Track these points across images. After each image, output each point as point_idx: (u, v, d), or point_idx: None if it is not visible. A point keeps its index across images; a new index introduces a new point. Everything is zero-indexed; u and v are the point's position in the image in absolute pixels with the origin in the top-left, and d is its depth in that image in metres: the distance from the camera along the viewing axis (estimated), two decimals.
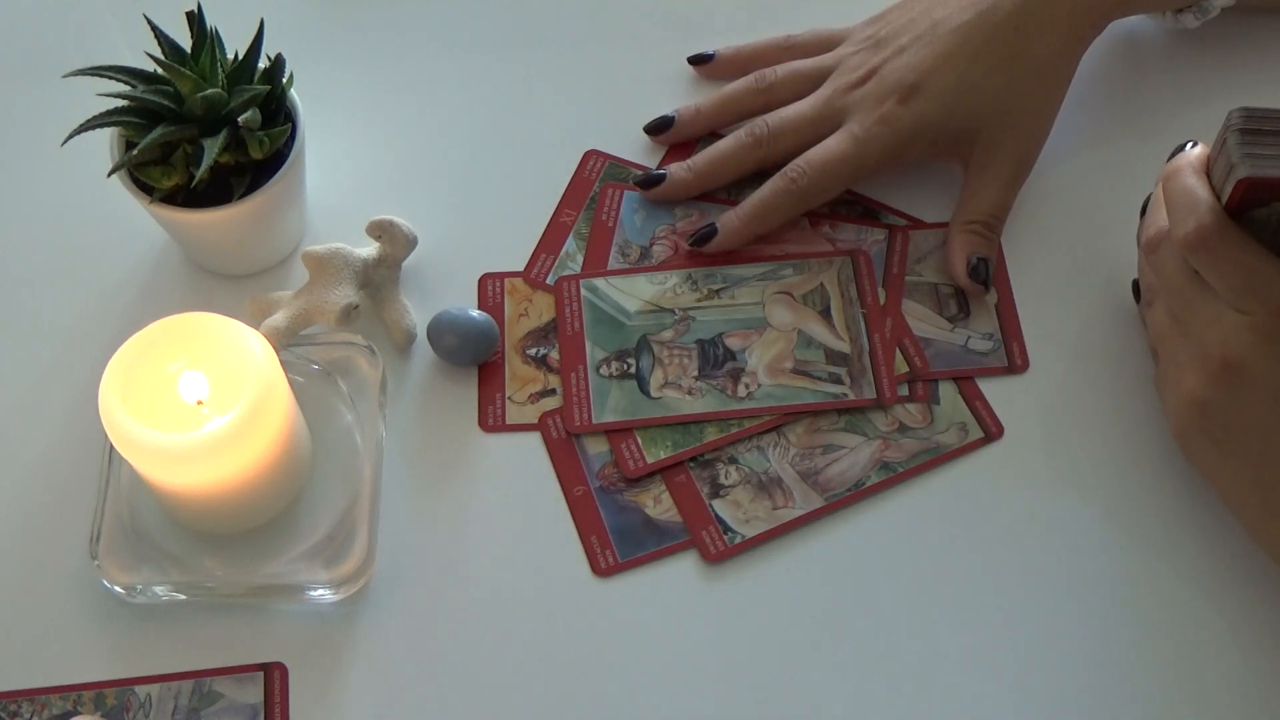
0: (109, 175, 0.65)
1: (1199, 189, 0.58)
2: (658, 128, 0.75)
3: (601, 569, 0.65)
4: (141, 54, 0.64)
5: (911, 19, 0.72)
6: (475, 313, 0.69)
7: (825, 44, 0.76)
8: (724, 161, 0.72)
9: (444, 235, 0.73)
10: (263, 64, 0.66)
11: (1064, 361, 0.70)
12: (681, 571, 0.65)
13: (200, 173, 0.63)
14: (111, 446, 0.63)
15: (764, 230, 0.71)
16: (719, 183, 0.73)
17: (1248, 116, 0.56)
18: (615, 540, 0.65)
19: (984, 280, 0.70)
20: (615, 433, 0.68)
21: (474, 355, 0.69)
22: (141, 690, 0.62)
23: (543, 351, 0.70)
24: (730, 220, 0.71)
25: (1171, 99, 0.77)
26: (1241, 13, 0.75)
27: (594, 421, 0.68)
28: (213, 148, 0.63)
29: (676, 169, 0.73)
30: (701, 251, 0.71)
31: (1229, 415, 0.60)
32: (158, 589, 0.63)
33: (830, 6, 0.78)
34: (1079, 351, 0.70)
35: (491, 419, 0.68)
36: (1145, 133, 0.76)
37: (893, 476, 0.67)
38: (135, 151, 0.64)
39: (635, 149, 0.76)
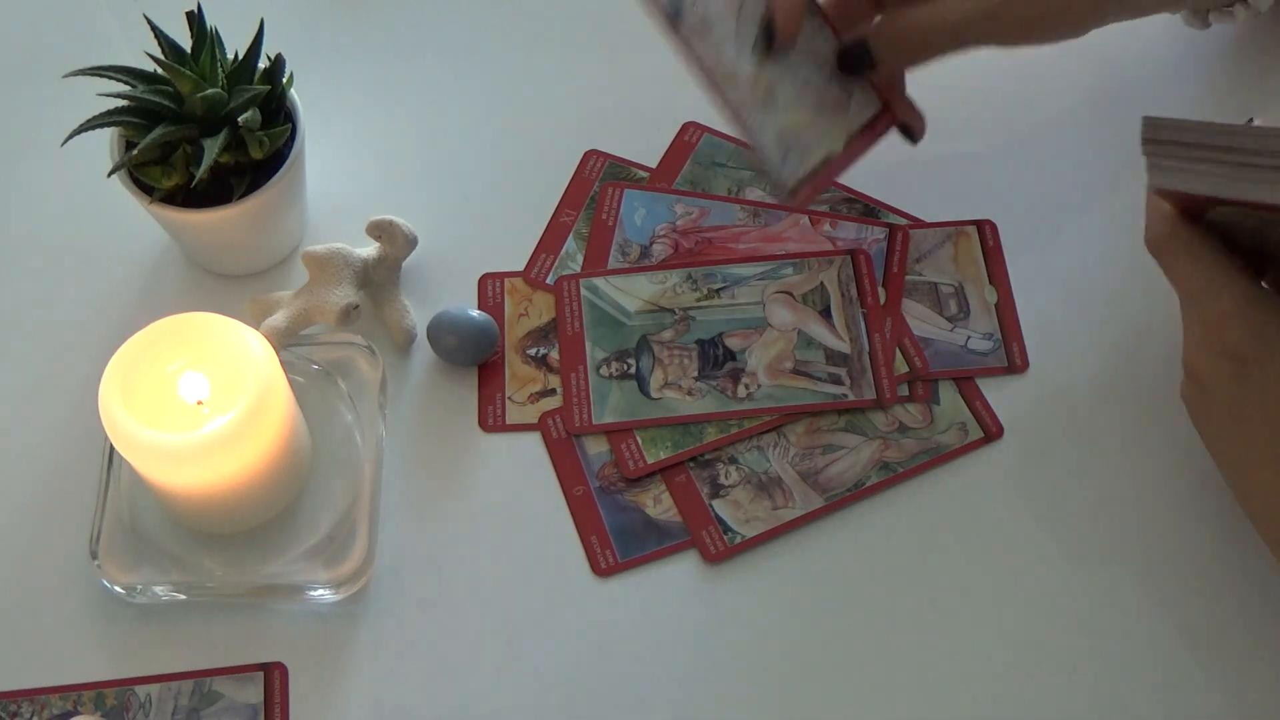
0: (109, 175, 0.65)
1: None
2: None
3: (601, 569, 0.65)
4: (141, 54, 0.64)
5: None
6: (475, 313, 0.69)
7: None
8: None
9: (444, 235, 0.73)
10: (263, 64, 0.66)
11: (1064, 361, 0.70)
12: (681, 571, 0.65)
13: (200, 173, 0.63)
14: (111, 446, 0.63)
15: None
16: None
17: (1149, 125, 0.55)
18: (615, 540, 0.65)
19: (846, 64, 0.67)
20: (615, 433, 0.68)
21: (474, 355, 0.69)
22: (141, 690, 0.62)
23: (543, 351, 0.70)
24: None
25: (1171, 97, 0.77)
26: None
27: (594, 422, 0.68)
28: (213, 148, 0.63)
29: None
30: (774, 49, 0.66)
31: (1201, 418, 0.61)
32: (158, 589, 0.63)
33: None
34: (1079, 351, 0.70)
35: (491, 419, 0.68)
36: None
37: (893, 476, 0.67)
38: (135, 151, 0.64)
39: (635, 149, 0.76)
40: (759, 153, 0.66)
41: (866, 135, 0.69)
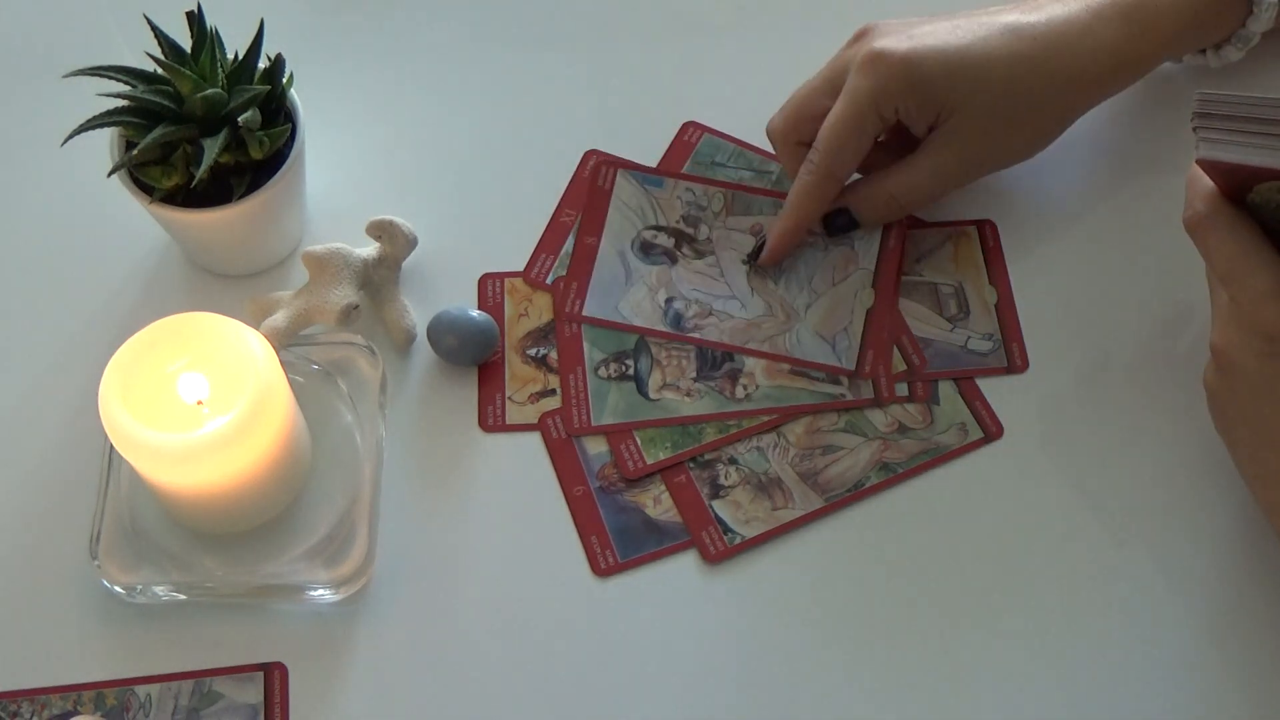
0: (109, 175, 0.65)
1: (1200, 175, 0.59)
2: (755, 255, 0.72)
3: (601, 569, 0.65)
4: (141, 54, 0.64)
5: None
6: (475, 313, 0.69)
7: None
8: (804, 204, 0.70)
9: (444, 235, 0.73)
10: (263, 64, 0.66)
11: (1064, 361, 0.70)
12: (681, 571, 0.65)
13: (200, 173, 0.63)
14: (111, 446, 0.63)
15: (807, 220, 0.70)
16: (814, 219, 0.71)
17: (1201, 100, 0.56)
18: (615, 540, 0.65)
19: (833, 229, 0.71)
20: (615, 433, 0.68)
21: (474, 355, 0.69)
22: (141, 690, 0.62)
23: (543, 351, 0.70)
24: (774, 226, 0.71)
25: (1166, 99, 0.77)
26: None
27: (593, 424, 0.68)
28: (213, 148, 0.63)
29: (772, 236, 0.71)
30: (759, 265, 0.71)
31: (1225, 402, 0.61)
32: (158, 589, 0.63)
33: (827, 3, 0.78)
34: (1079, 351, 0.70)
35: (491, 419, 0.68)
36: (1144, 131, 0.76)
37: (893, 477, 0.67)
38: (135, 151, 0.64)
39: (635, 149, 0.76)
40: (814, 366, 0.68)
41: (886, 261, 0.71)
